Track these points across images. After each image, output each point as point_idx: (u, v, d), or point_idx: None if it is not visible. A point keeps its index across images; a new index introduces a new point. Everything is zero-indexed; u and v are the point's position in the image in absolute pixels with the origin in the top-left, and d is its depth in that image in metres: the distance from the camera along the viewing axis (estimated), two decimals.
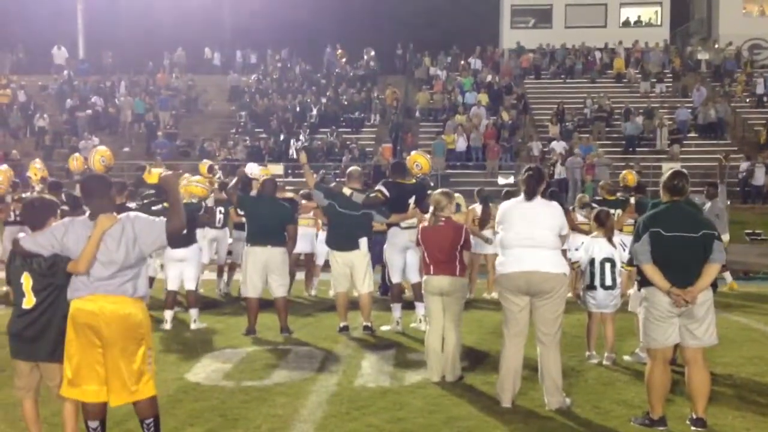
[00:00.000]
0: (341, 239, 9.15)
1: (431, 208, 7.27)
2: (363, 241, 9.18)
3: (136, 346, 4.66)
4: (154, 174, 9.42)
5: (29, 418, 4.97)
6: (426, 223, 7.39)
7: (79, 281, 4.64)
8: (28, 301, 4.79)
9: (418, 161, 9.78)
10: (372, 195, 9.13)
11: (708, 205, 12.32)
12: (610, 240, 7.71)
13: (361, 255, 9.15)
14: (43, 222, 4.88)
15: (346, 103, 31.24)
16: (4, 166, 12.01)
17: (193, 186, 9.94)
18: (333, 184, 10.45)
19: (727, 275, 12.99)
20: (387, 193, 9.09)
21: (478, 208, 11.66)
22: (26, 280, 4.78)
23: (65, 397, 4.73)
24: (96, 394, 4.65)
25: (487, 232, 11.23)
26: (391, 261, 9.48)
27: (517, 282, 6.07)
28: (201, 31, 39.56)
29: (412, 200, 9.23)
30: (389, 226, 9.37)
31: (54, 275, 4.76)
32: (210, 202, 10.66)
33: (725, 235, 12.61)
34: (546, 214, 6.19)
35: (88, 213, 4.76)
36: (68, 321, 4.65)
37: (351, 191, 9.10)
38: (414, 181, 9.52)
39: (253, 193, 9.99)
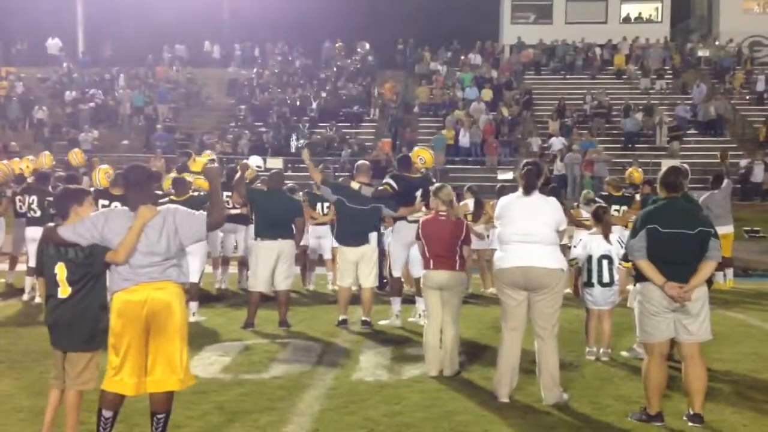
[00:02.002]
0: (351, 234, 9.14)
1: (437, 201, 7.24)
2: (372, 236, 9.19)
3: (181, 333, 4.70)
4: (198, 162, 9.45)
5: (51, 404, 4.99)
6: (428, 217, 7.39)
7: (124, 272, 4.66)
8: (64, 291, 4.79)
9: (422, 155, 9.78)
10: (380, 188, 9.14)
11: (707, 195, 12.31)
12: (606, 236, 7.70)
13: (370, 249, 9.17)
14: (66, 211, 4.87)
15: (344, 98, 31.22)
16: (5, 161, 11.99)
17: (200, 179, 9.96)
18: (341, 179, 10.45)
19: (729, 272, 12.95)
20: (395, 186, 9.10)
21: (470, 203, 11.66)
22: (60, 270, 4.77)
23: (106, 390, 4.71)
24: (136, 387, 4.67)
25: (479, 227, 11.24)
26: (394, 255, 9.47)
27: (515, 277, 6.08)
28: (201, 24, 39.52)
29: (418, 194, 9.23)
30: (396, 219, 9.37)
31: (91, 265, 4.76)
32: None
33: (729, 226, 12.57)
34: (545, 209, 6.19)
35: (128, 204, 4.79)
36: (113, 314, 4.67)
37: (359, 185, 9.10)
38: (419, 175, 9.53)
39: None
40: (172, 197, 9.16)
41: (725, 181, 12.51)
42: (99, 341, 4.84)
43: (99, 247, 4.69)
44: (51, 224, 4.91)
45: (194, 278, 9.58)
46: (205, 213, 4.80)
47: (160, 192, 9.50)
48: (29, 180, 11.60)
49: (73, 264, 4.76)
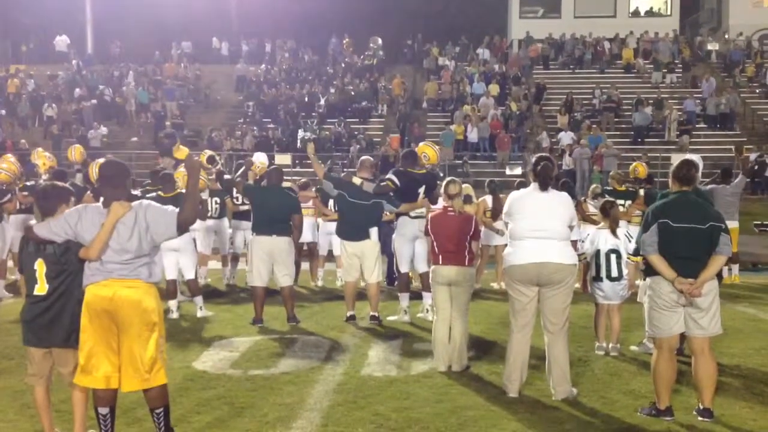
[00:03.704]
0: (352, 229, 9.14)
1: (447, 194, 7.24)
2: (373, 231, 9.17)
3: (149, 332, 4.65)
4: (182, 150, 9.43)
5: (40, 405, 4.99)
6: (436, 212, 7.38)
7: (94, 267, 4.64)
8: (41, 288, 4.80)
9: (426, 152, 9.76)
10: (382, 184, 9.13)
11: (717, 187, 12.26)
12: (614, 231, 7.68)
13: (371, 244, 9.15)
14: (54, 209, 4.89)
15: (353, 93, 31.20)
16: (12, 157, 11.99)
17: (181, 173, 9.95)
18: (343, 174, 10.46)
19: (735, 267, 12.90)
20: (397, 182, 9.08)
21: (488, 199, 11.62)
22: (40, 267, 4.79)
23: (77, 384, 4.74)
24: (107, 381, 4.65)
25: (498, 224, 11.20)
26: (399, 251, 9.46)
27: (528, 273, 6.05)
28: (208, 21, 39.58)
29: (421, 190, 9.21)
30: (398, 215, 9.36)
31: (67, 262, 4.78)
32: (205, 195, 10.64)
33: (735, 221, 12.51)
34: (557, 204, 6.16)
35: (101, 200, 4.75)
36: (83, 307, 4.66)
37: (361, 180, 9.08)
38: (424, 170, 9.50)
39: (250, 182, 10.01)
40: (159, 193, 9.16)
41: (739, 176, 12.44)
42: (78, 338, 4.80)
43: (75, 243, 4.69)
44: (31, 222, 4.92)
45: (189, 275, 9.58)
46: (176, 210, 4.70)
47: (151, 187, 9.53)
48: (44, 177, 11.60)
49: (50, 261, 4.78)
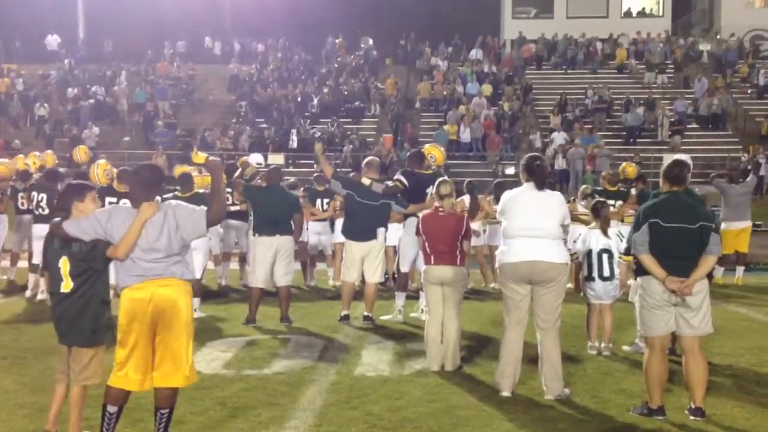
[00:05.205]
0: (359, 229, 9.13)
1: (438, 194, 7.26)
2: (380, 231, 9.19)
3: (187, 329, 4.72)
4: (200, 156, 9.42)
5: (56, 399, 5.00)
6: (428, 212, 7.39)
7: (128, 267, 4.67)
8: (66, 285, 4.81)
9: (433, 153, 9.77)
10: (391, 184, 9.13)
11: (726, 185, 12.48)
12: (605, 231, 7.71)
13: (377, 245, 9.18)
14: (68, 206, 4.88)
15: (346, 93, 31.17)
16: (7, 159, 11.99)
17: (206, 177, 9.96)
18: (352, 174, 10.44)
19: (740, 270, 12.94)
20: (406, 183, 9.09)
21: (466, 199, 11.61)
22: (64, 265, 4.80)
23: (112, 385, 4.73)
24: (141, 383, 4.70)
25: (475, 224, 11.20)
26: (404, 250, 9.45)
27: (521, 271, 6.08)
28: (201, 20, 39.53)
29: (429, 190, 9.21)
30: (406, 216, 9.36)
31: (93, 260, 4.78)
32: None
33: (748, 221, 12.71)
34: (551, 203, 6.19)
35: (131, 201, 4.81)
36: (121, 311, 4.69)
37: (370, 181, 9.08)
38: (431, 171, 9.50)
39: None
40: (177, 193, 9.15)
41: (750, 175, 12.64)
42: (101, 336, 4.87)
43: (102, 242, 4.71)
44: (57, 219, 4.92)
45: (196, 274, 9.58)
46: (204, 208, 4.80)
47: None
48: (35, 176, 11.55)
49: (75, 258, 4.78)
